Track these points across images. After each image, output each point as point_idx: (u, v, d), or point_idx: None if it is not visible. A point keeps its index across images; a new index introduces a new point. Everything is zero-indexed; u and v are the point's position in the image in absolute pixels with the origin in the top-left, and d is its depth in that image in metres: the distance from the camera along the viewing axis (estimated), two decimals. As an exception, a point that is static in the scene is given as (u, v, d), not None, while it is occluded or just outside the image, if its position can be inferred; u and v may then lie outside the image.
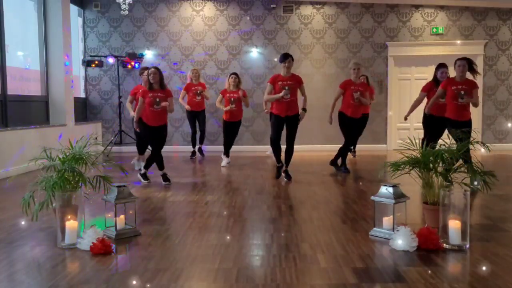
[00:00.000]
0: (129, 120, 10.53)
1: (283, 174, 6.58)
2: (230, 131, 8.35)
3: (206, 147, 9.90)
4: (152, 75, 6.23)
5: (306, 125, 10.10)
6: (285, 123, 6.51)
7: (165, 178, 6.38)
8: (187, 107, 9.17)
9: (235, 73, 8.50)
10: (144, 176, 6.46)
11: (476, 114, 10.53)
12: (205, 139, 9.72)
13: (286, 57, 6.55)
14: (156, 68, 6.36)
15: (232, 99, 8.23)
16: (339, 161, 7.38)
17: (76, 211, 3.68)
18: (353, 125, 7.31)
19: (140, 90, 6.60)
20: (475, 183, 4.34)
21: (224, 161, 8.17)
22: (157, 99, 6.21)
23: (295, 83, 6.52)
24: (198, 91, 9.15)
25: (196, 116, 9.34)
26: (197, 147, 9.52)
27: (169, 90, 6.48)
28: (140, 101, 6.30)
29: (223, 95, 8.37)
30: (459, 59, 6.16)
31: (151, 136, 6.39)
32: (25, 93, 8.54)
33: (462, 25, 10.56)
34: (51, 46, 8.88)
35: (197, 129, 9.44)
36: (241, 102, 8.28)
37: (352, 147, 7.45)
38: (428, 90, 7.02)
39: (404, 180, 4.07)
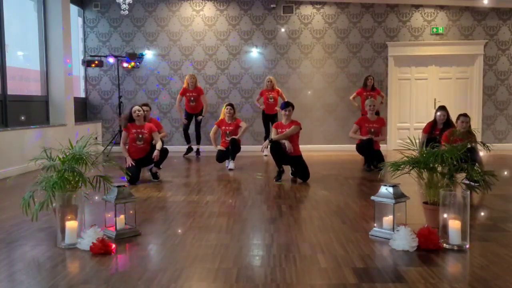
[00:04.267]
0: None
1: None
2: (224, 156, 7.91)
3: (203, 148, 9.89)
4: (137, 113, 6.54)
5: (306, 125, 10.12)
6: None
7: (155, 176, 6.64)
8: (184, 120, 9.57)
9: (230, 104, 8.13)
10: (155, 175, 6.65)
11: (476, 114, 10.56)
12: (201, 139, 9.78)
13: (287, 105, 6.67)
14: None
15: (227, 132, 7.89)
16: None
17: (76, 211, 3.68)
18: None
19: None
20: (472, 183, 4.34)
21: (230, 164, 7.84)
22: (140, 135, 6.52)
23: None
24: (192, 98, 9.45)
25: (194, 117, 9.67)
26: (195, 147, 9.70)
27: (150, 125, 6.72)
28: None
29: (219, 126, 8.02)
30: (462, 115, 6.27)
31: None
32: (25, 93, 8.54)
33: (462, 25, 10.56)
34: (51, 46, 8.88)
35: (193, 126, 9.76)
36: (237, 131, 7.92)
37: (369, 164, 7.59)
38: (428, 131, 7.07)
39: (404, 180, 4.07)
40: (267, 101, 9.55)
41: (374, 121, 7.56)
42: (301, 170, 6.49)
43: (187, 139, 9.74)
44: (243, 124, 8.05)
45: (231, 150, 7.75)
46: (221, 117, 8.19)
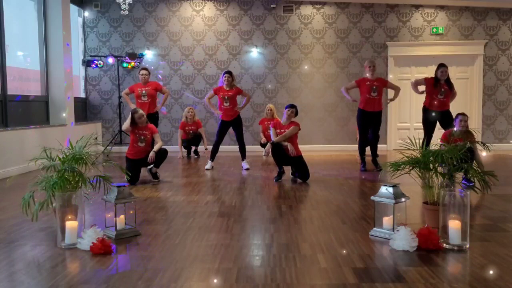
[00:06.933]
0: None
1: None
2: (224, 131, 7.84)
3: (202, 148, 9.85)
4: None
5: (306, 125, 10.12)
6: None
7: (155, 176, 6.67)
8: (180, 154, 9.37)
9: (228, 72, 7.77)
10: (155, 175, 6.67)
11: (476, 114, 10.56)
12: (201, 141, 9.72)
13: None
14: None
15: (226, 97, 7.62)
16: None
17: (76, 211, 3.68)
18: (369, 120, 7.44)
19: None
20: (471, 184, 4.35)
21: (208, 164, 7.83)
22: (142, 137, 6.51)
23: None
24: (191, 131, 9.41)
25: (191, 142, 9.59)
26: (193, 148, 9.72)
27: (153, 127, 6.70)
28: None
29: (216, 93, 7.72)
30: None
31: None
32: (25, 93, 8.53)
33: (462, 25, 10.56)
34: (51, 46, 8.88)
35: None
36: (235, 100, 7.74)
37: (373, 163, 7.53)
38: (429, 84, 7.30)
39: (404, 180, 4.07)
40: (266, 132, 9.25)
41: (375, 80, 7.33)
42: (301, 170, 6.49)
43: (188, 149, 9.67)
44: (245, 94, 7.86)
45: (240, 151, 7.85)
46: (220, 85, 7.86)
